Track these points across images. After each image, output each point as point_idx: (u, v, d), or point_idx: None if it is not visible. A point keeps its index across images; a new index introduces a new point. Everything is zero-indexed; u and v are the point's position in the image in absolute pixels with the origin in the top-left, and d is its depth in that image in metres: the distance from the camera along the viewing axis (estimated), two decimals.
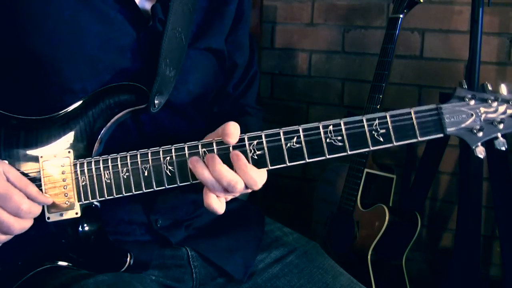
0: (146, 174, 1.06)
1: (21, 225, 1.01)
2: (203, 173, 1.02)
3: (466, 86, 1.07)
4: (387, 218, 2.14)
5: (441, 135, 1.05)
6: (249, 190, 1.07)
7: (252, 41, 1.39)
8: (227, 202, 1.36)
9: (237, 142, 1.05)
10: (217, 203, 1.05)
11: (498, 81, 2.42)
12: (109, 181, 1.06)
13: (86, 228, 1.09)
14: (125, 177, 1.06)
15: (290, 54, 2.90)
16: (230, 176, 1.02)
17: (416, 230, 2.23)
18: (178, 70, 1.15)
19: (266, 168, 1.05)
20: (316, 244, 1.34)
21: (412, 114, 1.04)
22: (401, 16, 2.13)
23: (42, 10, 1.08)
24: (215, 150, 1.05)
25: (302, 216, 2.76)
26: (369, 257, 2.16)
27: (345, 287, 1.23)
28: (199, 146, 1.05)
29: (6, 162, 1.04)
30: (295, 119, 2.91)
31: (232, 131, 1.03)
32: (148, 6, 1.17)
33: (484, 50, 2.10)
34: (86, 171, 1.06)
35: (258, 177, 1.04)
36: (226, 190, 1.03)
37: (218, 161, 1.02)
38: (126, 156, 1.06)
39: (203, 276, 1.24)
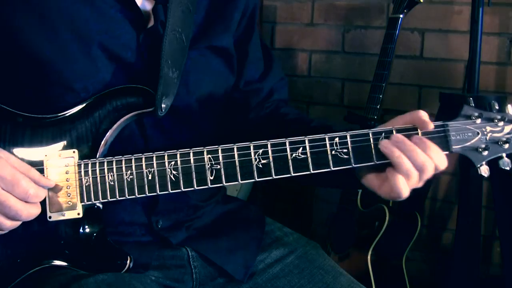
0: (150, 177, 1.05)
1: (28, 210, 1.00)
2: (399, 155, 1.01)
3: (473, 104, 1.07)
4: (387, 218, 2.14)
5: (446, 152, 1.06)
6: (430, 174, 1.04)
7: (265, 45, 1.38)
8: (228, 203, 1.36)
9: (242, 150, 1.05)
10: (404, 185, 1.03)
11: (498, 81, 2.42)
12: (112, 183, 1.06)
13: (87, 229, 1.08)
14: (128, 179, 1.06)
15: (290, 54, 2.90)
16: (422, 157, 1.01)
17: (416, 230, 2.23)
18: (181, 71, 1.14)
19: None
20: (316, 244, 1.34)
21: (419, 130, 1.05)
22: (401, 16, 2.13)
23: (41, 9, 1.08)
24: (221, 157, 1.04)
25: (302, 216, 2.76)
26: (369, 257, 2.16)
27: (345, 287, 1.23)
28: (204, 152, 1.05)
29: (3, 149, 1.03)
30: None
31: (427, 118, 1.04)
32: (148, 7, 1.17)
33: (484, 50, 2.10)
34: (90, 172, 1.06)
35: (442, 155, 1.04)
36: (418, 170, 1.02)
37: (409, 143, 1.02)
38: (131, 159, 1.06)
39: (203, 276, 1.24)
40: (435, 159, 1.03)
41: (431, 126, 1.04)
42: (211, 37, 1.23)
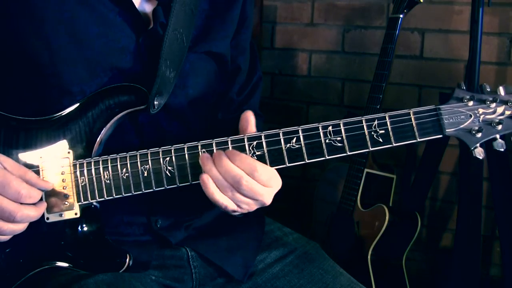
0: (145, 174, 1.06)
1: (23, 211, 1.00)
2: (211, 170, 1.02)
3: (465, 87, 1.08)
4: (387, 218, 2.14)
5: (440, 136, 1.06)
6: (263, 195, 1.04)
7: (253, 47, 1.38)
8: None
9: (237, 143, 1.05)
10: (226, 200, 1.04)
11: (498, 81, 2.42)
12: (108, 181, 1.06)
13: (86, 229, 1.09)
14: (124, 177, 1.06)
15: (290, 54, 2.90)
16: (236, 170, 1.01)
17: (416, 230, 2.23)
18: (178, 71, 1.15)
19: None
20: (316, 244, 1.34)
21: (411, 115, 1.05)
22: (401, 16, 2.12)
23: (41, 12, 1.08)
24: (215, 151, 1.05)
25: (302, 216, 2.76)
26: (369, 257, 2.16)
27: (345, 287, 1.23)
28: (199, 147, 1.06)
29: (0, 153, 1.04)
30: (295, 119, 2.91)
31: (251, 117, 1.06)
32: (148, 9, 1.17)
33: (484, 50, 2.10)
34: (85, 171, 1.06)
35: (263, 169, 1.03)
36: (232, 187, 1.02)
37: (225, 157, 1.02)
38: (126, 157, 1.06)
39: (203, 276, 1.24)
40: (245, 170, 1.01)
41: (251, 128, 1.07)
42: (211, 42, 1.23)
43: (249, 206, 1.06)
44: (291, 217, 2.86)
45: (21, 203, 1.00)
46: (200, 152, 1.05)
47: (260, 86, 1.41)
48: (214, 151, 1.05)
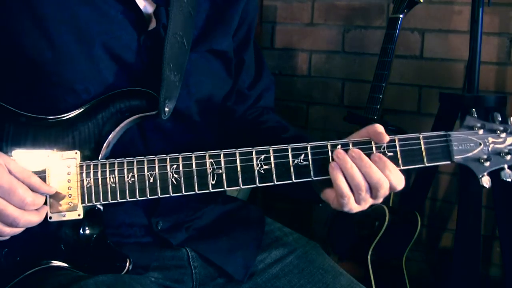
0: (151, 180, 1.05)
1: (26, 218, 1.00)
2: (352, 168, 1.01)
3: (476, 115, 1.08)
4: (387, 218, 2.14)
5: (448, 162, 1.06)
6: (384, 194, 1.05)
7: (256, 45, 1.38)
8: (228, 203, 1.36)
9: (244, 156, 1.05)
10: (354, 205, 1.04)
11: (498, 81, 2.42)
12: (114, 185, 1.06)
13: (87, 231, 1.08)
14: (130, 182, 1.05)
15: (290, 54, 2.90)
16: (378, 174, 1.01)
17: (416, 230, 2.23)
18: (182, 74, 1.14)
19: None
20: (316, 244, 1.34)
21: (421, 139, 1.05)
22: (401, 16, 2.13)
23: (41, 11, 1.08)
24: (223, 162, 1.05)
25: (302, 216, 2.76)
26: (369, 257, 2.16)
27: (345, 287, 1.23)
28: (206, 156, 1.05)
29: (4, 154, 1.03)
30: (295, 119, 2.91)
31: (382, 130, 1.04)
32: (150, 9, 1.17)
33: (484, 50, 2.11)
34: (91, 173, 1.06)
35: (400, 176, 1.04)
36: (370, 190, 1.03)
37: (367, 159, 1.02)
38: (133, 162, 1.06)
39: (203, 277, 1.24)
40: (392, 179, 1.03)
41: (386, 138, 1.04)
42: (212, 40, 1.23)
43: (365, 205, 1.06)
44: (291, 217, 2.86)
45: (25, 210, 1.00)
46: (207, 162, 1.05)
47: (273, 83, 1.41)
48: (222, 162, 1.05)
